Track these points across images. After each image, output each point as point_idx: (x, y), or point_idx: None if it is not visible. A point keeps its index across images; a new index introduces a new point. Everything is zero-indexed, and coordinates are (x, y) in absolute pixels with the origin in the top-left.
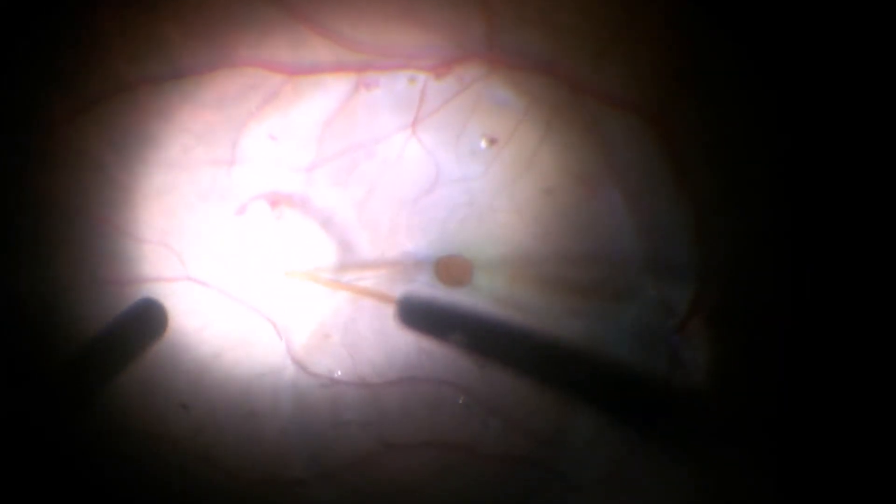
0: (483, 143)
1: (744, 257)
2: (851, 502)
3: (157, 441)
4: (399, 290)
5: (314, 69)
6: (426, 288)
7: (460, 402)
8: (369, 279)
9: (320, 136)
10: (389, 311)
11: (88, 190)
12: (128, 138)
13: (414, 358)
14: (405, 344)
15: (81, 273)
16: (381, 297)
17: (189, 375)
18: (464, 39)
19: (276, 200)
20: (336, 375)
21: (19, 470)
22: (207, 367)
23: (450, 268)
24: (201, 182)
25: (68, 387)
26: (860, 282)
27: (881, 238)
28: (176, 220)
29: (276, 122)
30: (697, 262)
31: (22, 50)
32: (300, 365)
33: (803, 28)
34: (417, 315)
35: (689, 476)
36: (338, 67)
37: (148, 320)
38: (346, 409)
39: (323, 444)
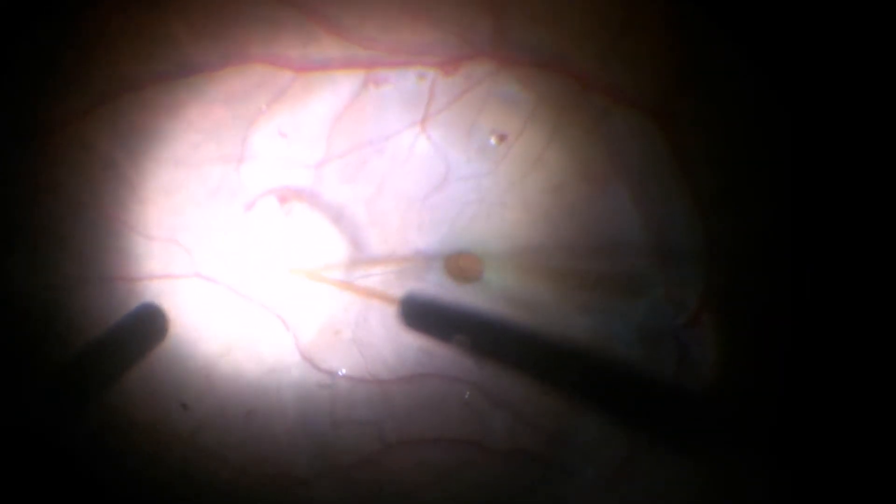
0: (492, 140)
1: (750, 253)
2: (859, 501)
3: (162, 437)
4: (408, 287)
5: (323, 66)
6: (434, 286)
7: (466, 396)
8: (379, 276)
9: (329, 132)
10: (395, 307)
11: (97, 187)
12: (136, 135)
13: (425, 354)
14: (416, 340)
15: (90, 270)
16: (385, 298)
17: (197, 372)
18: (472, 36)
19: (285, 197)
20: (341, 374)
21: (21, 467)
22: (216, 363)
23: (460, 264)
24: (210, 179)
25: (67, 390)
26: (866, 278)
27: (885, 234)
28: (185, 216)
29: (286, 118)
30: (705, 257)
31: (28, 48)
32: (310, 362)
33: (804, 26)
34: (420, 316)
35: (695, 473)
36: (347, 64)
37: (148, 325)
38: (354, 406)
39: (331, 441)
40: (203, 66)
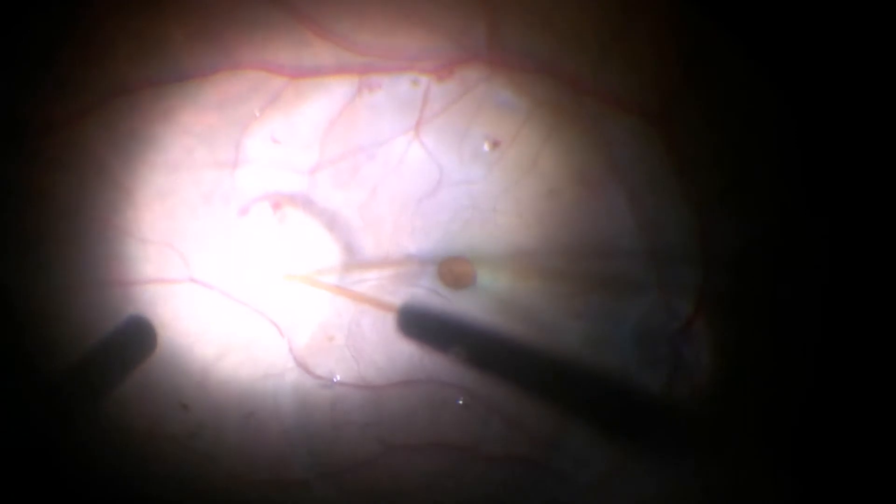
0: (486, 146)
1: (746, 257)
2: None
3: (158, 441)
4: (402, 293)
5: (316, 71)
6: (428, 293)
7: (460, 402)
8: (372, 281)
9: (323, 138)
10: (391, 316)
11: (91, 192)
12: (130, 140)
13: (417, 359)
14: (409, 345)
15: (84, 274)
16: (382, 306)
17: (192, 377)
18: (466, 41)
19: (278, 202)
20: (335, 380)
21: (18, 471)
22: (210, 368)
23: (453, 269)
24: (204, 183)
25: (61, 400)
26: (866, 280)
27: (887, 235)
28: (179, 221)
29: (279, 124)
30: (700, 261)
31: (23, 52)
32: (303, 366)
33: (802, 28)
34: (417, 326)
35: (689, 478)
36: (340, 70)
37: (137, 338)
38: (348, 411)
39: (325, 445)
40: (197, 70)
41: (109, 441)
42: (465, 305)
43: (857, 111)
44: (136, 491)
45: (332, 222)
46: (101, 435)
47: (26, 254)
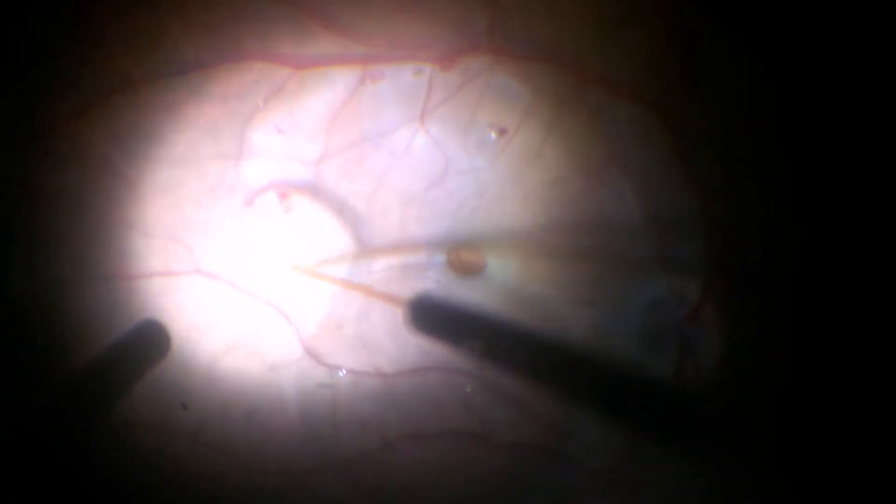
0: (492, 134)
1: (752, 242)
2: (863, 498)
3: (164, 435)
4: (411, 283)
5: (319, 62)
6: (435, 281)
7: (468, 390)
8: (380, 271)
9: (328, 128)
10: (401, 310)
11: (96, 187)
12: (134, 134)
13: (427, 347)
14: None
15: (91, 269)
16: (390, 300)
17: (200, 370)
18: (468, 30)
19: (284, 193)
20: (342, 374)
21: (24, 468)
22: (218, 360)
23: (461, 258)
24: (209, 176)
25: (70, 398)
26: (869, 268)
27: (885, 223)
28: (184, 214)
29: (283, 115)
30: (706, 249)
31: (25, 49)
32: (312, 356)
33: (803, 18)
34: (428, 320)
35: (697, 468)
36: (343, 60)
37: (150, 344)
38: (357, 402)
39: (333, 437)
40: (199, 63)
41: (116, 436)
42: (475, 294)
43: (855, 95)
44: (143, 486)
45: (338, 212)
46: (107, 430)
47: (32, 250)
